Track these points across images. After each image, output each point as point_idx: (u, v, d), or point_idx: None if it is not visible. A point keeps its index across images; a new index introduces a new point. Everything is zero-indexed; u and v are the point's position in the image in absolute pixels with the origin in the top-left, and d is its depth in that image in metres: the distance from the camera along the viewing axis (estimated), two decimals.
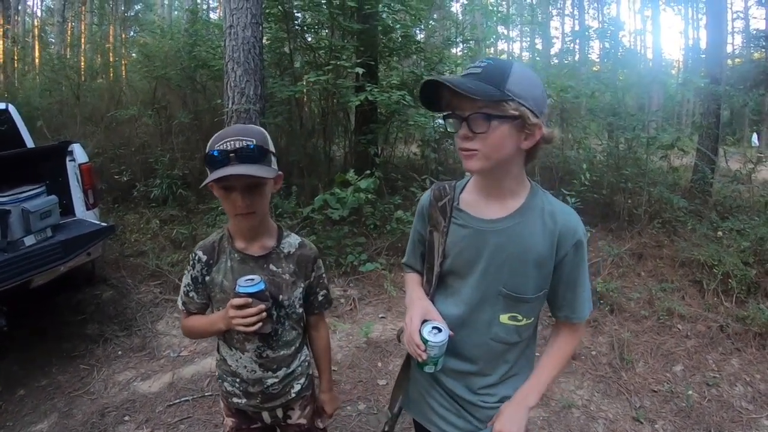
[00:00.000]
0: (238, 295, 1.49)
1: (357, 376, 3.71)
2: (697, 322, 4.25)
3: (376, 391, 3.54)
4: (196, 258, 1.68)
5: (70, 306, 4.77)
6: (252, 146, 1.48)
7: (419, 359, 1.40)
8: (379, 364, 3.87)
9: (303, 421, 1.86)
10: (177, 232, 6.10)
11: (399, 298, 4.80)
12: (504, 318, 1.42)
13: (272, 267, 1.67)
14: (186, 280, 1.71)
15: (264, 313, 1.51)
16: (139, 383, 3.72)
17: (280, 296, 1.65)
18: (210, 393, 3.56)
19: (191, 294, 1.70)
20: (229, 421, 1.83)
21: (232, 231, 1.69)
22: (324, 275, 1.84)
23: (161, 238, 6.21)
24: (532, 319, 1.46)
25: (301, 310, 1.75)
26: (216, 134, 1.54)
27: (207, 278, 1.67)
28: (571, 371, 3.70)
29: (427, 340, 1.37)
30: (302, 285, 1.72)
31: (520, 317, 1.42)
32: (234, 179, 1.47)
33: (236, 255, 1.65)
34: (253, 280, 1.51)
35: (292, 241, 1.73)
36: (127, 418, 3.34)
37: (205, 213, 6.54)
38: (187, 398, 3.50)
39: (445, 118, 1.34)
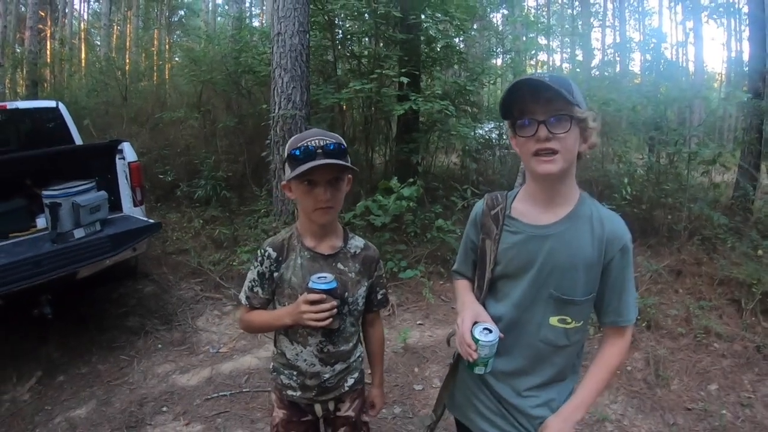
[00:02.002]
0: (313, 291, 1.56)
1: (393, 380, 3.74)
2: (734, 342, 4.17)
3: (412, 396, 3.58)
4: (266, 254, 1.74)
5: (112, 299, 4.92)
6: (335, 144, 1.59)
7: (470, 359, 1.44)
8: (416, 370, 3.90)
9: (352, 413, 1.92)
10: (219, 232, 6.22)
11: (437, 305, 4.84)
12: (554, 320, 1.46)
13: (340, 266, 1.74)
14: (251, 275, 1.77)
15: (335, 310, 1.58)
16: (178, 376, 3.81)
17: (346, 294, 1.72)
18: (248, 389, 3.63)
19: (256, 289, 1.76)
20: (280, 413, 1.87)
21: (302, 230, 1.76)
22: (383, 276, 1.92)
23: (203, 238, 6.35)
24: (581, 322, 1.49)
25: (363, 308, 1.83)
26: (293, 138, 1.66)
27: (276, 274, 1.73)
28: (611, 379, 3.69)
29: (478, 340, 1.41)
30: (366, 284, 1.80)
31: (569, 320, 1.46)
32: (319, 173, 1.56)
33: (306, 253, 1.72)
34: (326, 277, 1.59)
35: (357, 242, 1.82)
36: (164, 409, 3.43)
37: (246, 215, 6.67)
38: (225, 393, 3.58)
39: (512, 125, 1.40)
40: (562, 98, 1.28)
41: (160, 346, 4.24)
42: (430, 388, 3.63)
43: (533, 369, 1.52)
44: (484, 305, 1.57)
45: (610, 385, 3.67)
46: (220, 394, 3.57)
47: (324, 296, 1.56)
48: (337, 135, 1.66)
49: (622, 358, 1.57)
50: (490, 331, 1.43)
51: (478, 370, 1.48)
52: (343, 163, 1.59)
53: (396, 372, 3.86)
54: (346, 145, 1.65)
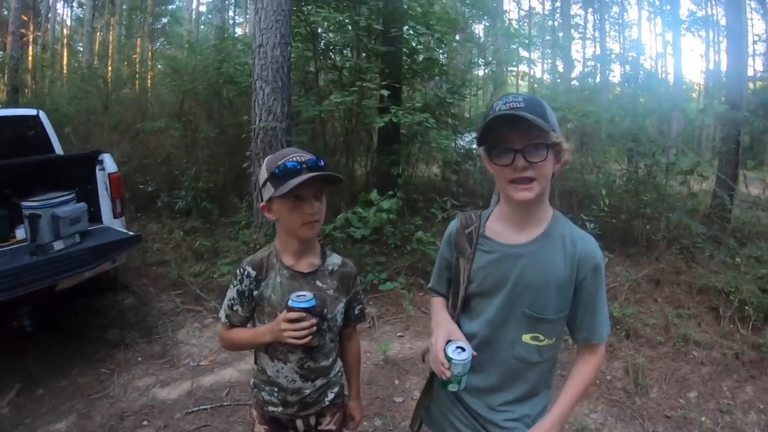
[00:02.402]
0: (292, 309, 1.60)
1: (374, 392, 3.75)
2: (713, 349, 4.24)
3: (392, 408, 3.59)
4: (245, 273, 1.75)
5: (92, 311, 4.87)
6: (316, 158, 1.65)
7: (443, 377, 1.47)
8: (396, 382, 3.91)
9: (333, 427, 1.94)
10: (200, 244, 6.20)
11: (417, 317, 4.84)
12: (527, 338, 1.49)
13: (319, 283, 1.77)
14: (231, 294, 1.78)
15: (315, 327, 1.62)
16: (158, 389, 3.79)
17: (325, 310, 1.74)
18: (228, 403, 3.61)
19: (236, 308, 1.78)
20: (261, 429, 1.89)
21: (281, 248, 1.78)
22: (361, 291, 1.96)
23: (183, 249, 6.31)
24: (554, 339, 1.52)
25: (341, 324, 1.85)
26: (270, 158, 1.69)
27: (255, 293, 1.75)
28: (585, 395, 3.71)
29: (452, 359, 1.45)
30: (344, 300, 1.83)
31: (542, 337, 1.49)
32: (306, 188, 1.60)
33: (285, 271, 1.74)
34: (305, 296, 1.62)
35: (335, 259, 1.85)
36: (145, 422, 3.40)
37: (227, 226, 6.66)
38: (205, 407, 3.56)
39: (489, 152, 1.43)
40: (538, 127, 1.31)
41: (140, 359, 4.21)
42: (410, 400, 3.63)
43: (507, 385, 1.54)
44: (458, 323, 1.60)
45: (589, 395, 3.71)
46: (201, 407, 3.55)
47: (303, 314, 1.60)
48: (310, 153, 1.70)
49: (596, 374, 1.60)
50: (464, 350, 1.46)
51: (452, 387, 1.51)
52: (335, 174, 1.67)
53: (376, 384, 3.87)
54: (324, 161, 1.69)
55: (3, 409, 3.53)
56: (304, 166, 1.60)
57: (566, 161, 1.43)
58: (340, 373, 1.94)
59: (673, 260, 5.65)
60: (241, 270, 1.77)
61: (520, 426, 1.54)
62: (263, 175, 1.68)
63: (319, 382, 1.83)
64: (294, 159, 1.61)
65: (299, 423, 1.88)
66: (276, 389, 1.81)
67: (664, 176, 6.37)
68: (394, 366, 4.12)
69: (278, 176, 1.60)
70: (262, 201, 1.71)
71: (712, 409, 3.60)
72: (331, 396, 1.89)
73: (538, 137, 1.33)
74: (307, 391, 1.81)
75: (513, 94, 1.44)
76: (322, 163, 1.65)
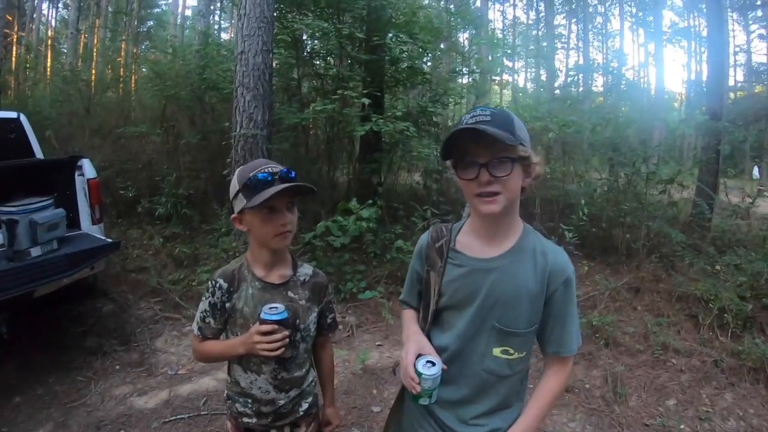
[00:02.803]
0: (264, 321, 1.60)
1: (352, 402, 3.74)
2: (692, 357, 4.27)
3: (370, 418, 3.58)
4: (217, 285, 1.75)
5: (70, 317, 4.82)
6: (288, 169, 1.66)
7: (413, 391, 1.47)
8: (374, 391, 3.90)
9: None
10: (179, 251, 6.15)
11: (396, 326, 4.82)
12: (497, 351, 1.49)
13: (290, 294, 1.77)
14: (203, 306, 1.78)
15: (287, 339, 1.62)
16: (136, 398, 3.75)
17: (297, 321, 1.75)
18: (206, 412, 3.59)
19: (208, 320, 1.78)
20: None
21: (252, 260, 1.78)
22: (333, 300, 1.97)
23: (163, 256, 6.27)
24: (524, 353, 1.52)
25: (314, 334, 1.86)
26: (241, 170, 1.69)
27: (227, 305, 1.75)
28: (564, 404, 3.72)
29: (421, 374, 1.44)
30: (316, 310, 1.84)
31: (512, 351, 1.49)
32: (278, 198, 1.60)
33: (257, 283, 1.75)
34: (277, 308, 1.62)
35: (306, 270, 1.86)
36: (122, 431, 3.38)
37: (207, 233, 6.63)
38: (183, 416, 3.53)
39: (455, 166, 1.42)
40: (502, 141, 1.30)
41: (118, 367, 4.16)
42: (387, 410, 3.55)
43: (478, 398, 1.54)
44: (429, 335, 1.60)
45: (567, 404, 3.73)
46: (178, 417, 3.53)
47: (276, 327, 1.60)
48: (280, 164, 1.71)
49: (564, 386, 1.60)
50: (434, 364, 1.46)
51: (423, 401, 1.51)
52: (308, 185, 1.68)
53: (354, 394, 3.85)
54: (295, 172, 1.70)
55: None
56: (276, 177, 1.61)
57: (537, 174, 1.43)
58: (314, 383, 1.94)
59: (653, 268, 5.69)
60: (213, 282, 1.76)
61: None
62: (234, 186, 1.68)
63: (293, 393, 1.82)
64: (266, 170, 1.62)
65: None
66: (250, 400, 1.81)
67: (645, 185, 6.42)
68: (373, 375, 4.10)
69: (250, 187, 1.60)
70: (233, 212, 1.71)
71: (691, 417, 3.63)
72: (305, 406, 1.89)
73: (503, 151, 1.33)
74: (281, 402, 1.80)
75: (482, 107, 1.44)
76: (293, 174, 1.66)
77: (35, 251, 3.77)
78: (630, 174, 6.58)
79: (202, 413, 3.58)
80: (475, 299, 1.49)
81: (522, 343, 1.50)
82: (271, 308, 1.62)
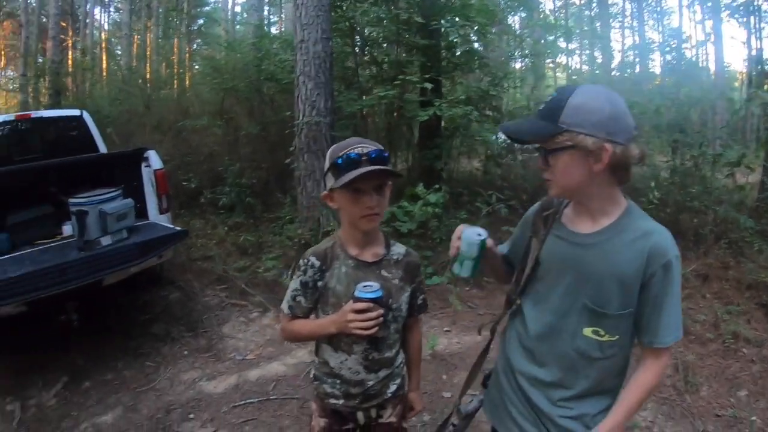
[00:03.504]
0: (359, 299, 1.58)
1: (422, 387, 3.72)
2: (763, 347, 4.08)
3: (441, 403, 3.55)
4: (309, 263, 1.74)
5: (138, 306, 4.95)
6: (378, 151, 1.61)
7: (452, 252, 1.58)
8: (444, 377, 3.87)
9: (393, 419, 1.92)
10: (244, 239, 6.25)
11: (464, 312, 4.80)
12: (587, 331, 1.45)
13: (384, 273, 1.75)
14: (294, 284, 1.77)
15: (381, 318, 1.60)
16: (205, 383, 3.82)
17: (390, 300, 1.73)
18: (275, 396, 3.62)
19: (299, 298, 1.77)
20: (321, 422, 1.87)
21: (345, 238, 1.76)
22: (423, 281, 1.94)
23: (227, 244, 6.38)
24: (617, 337, 1.45)
25: (406, 314, 1.83)
26: (334, 147, 1.68)
27: (319, 283, 1.74)
28: (646, 401, 3.64)
29: (464, 236, 1.56)
30: (409, 290, 1.81)
31: (602, 332, 1.44)
32: (365, 181, 1.57)
33: (350, 261, 1.73)
34: (371, 286, 1.60)
35: (398, 249, 1.83)
36: (192, 416, 3.44)
37: (271, 222, 6.72)
38: (252, 400, 3.57)
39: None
40: (537, 136, 1.41)
41: (186, 352, 4.25)
42: (457, 396, 3.61)
43: (566, 379, 1.51)
44: (521, 303, 1.61)
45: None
46: (248, 401, 3.57)
47: (371, 305, 1.58)
48: (376, 143, 1.68)
49: (658, 382, 1.52)
50: (480, 235, 1.56)
51: (456, 268, 1.61)
52: (390, 168, 1.64)
53: (424, 379, 3.77)
54: (387, 152, 1.66)
55: (50, 401, 3.61)
56: (365, 158, 1.58)
57: (618, 158, 1.33)
58: (402, 365, 1.92)
59: (722, 255, 5.44)
60: (305, 260, 1.76)
61: (577, 426, 1.50)
62: (326, 164, 1.67)
63: (382, 374, 1.81)
64: (356, 150, 1.59)
65: (360, 415, 1.86)
66: (339, 381, 1.80)
67: (710, 168, 6.18)
68: (442, 361, 4.08)
69: (339, 166, 1.58)
70: (325, 189, 1.70)
71: (763, 409, 3.47)
72: (393, 388, 1.87)
73: (543, 143, 1.41)
74: (371, 383, 1.79)
75: (556, 90, 1.50)
76: (386, 155, 1.63)
77: (105, 240, 3.89)
78: (697, 156, 6.34)
79: (271, 398, 3.62)
80: (568, 274, 1.46)
81: (613, 326, 1.44)
82: (365, 286, 1.60)
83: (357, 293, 1.59)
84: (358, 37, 7.41)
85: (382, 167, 1.58)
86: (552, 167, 1.39)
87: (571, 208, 1.54)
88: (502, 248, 1.79)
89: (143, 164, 4.67)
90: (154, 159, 4.67)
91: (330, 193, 1.67)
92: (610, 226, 1.43)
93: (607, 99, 1.34)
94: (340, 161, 1.58)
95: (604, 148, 1.30)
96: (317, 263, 1.74)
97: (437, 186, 5.43)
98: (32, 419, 3.44)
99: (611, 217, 1.43)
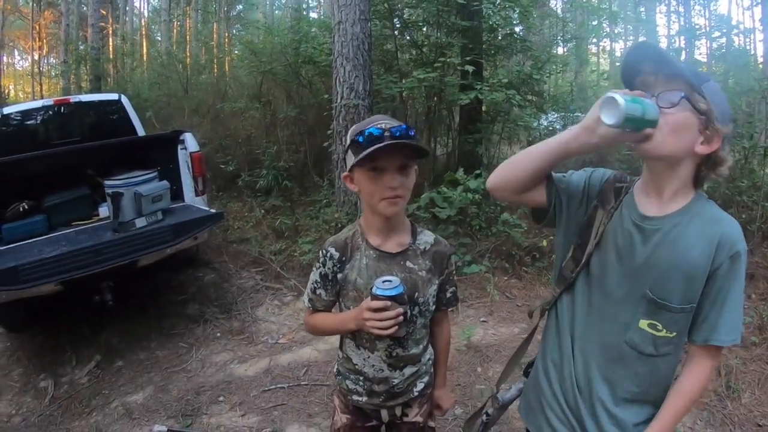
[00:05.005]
0: (376, 297, 1.45)
1: (455, 379, 3.59)
2: None
3: (474, 397, 3.43)
4: (328, 255, 1.63)
5: (172, 286, 5.00)
6: (403, 127, 1.47)
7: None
8: (479, 369, 3.75)
9: (419, 419, 1.82)
10: (280, 222, 6.25)
11: (501, 302, 4.67)
12: (644, 323, 1.32)
13: (409, 264, 1.62)
14: (314, 277, 1.67)
15: (401, 318, 1.47)
16: (236, 366, 3.82)
17: (416, 294, 1.60)
18: (306, 382, 3.58)
19: (319, 291, 1.67)
20: (344, 418, 1.79)
21: (366, 226, 1.65)
22: (454, 272, 1.78)
23: (264, 227, 6.39)
24: (674, 334, 1.32)
25: (434, 308, 1.70)
26: (356, 125, 1.55)
27: (339, 276, 1.63)
28: (694, 403, 3.47)
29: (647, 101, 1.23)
30: (437, 282, 1.67)
31: (660, 326, 1.31)
32: (386, 158, 1.45)
33: (372, 252, 1.61)
34: (391, 281, 1.46)
35: (426, 237, 1.69)
36: (221, 398, 3.43)
37: (308, 205, 6.72)
38: (282, 385, 3.54)
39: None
40: (688, 76, 1.20)
41: (218, 334, 4.27)
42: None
43: (612, 376, 1.39)
44: (575, 280, 1.44)
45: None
46: (278, 386, 3.54)
47: (388, 303, 1.44)
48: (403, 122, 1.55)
49: (706, 385, 1.41)
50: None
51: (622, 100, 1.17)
52: (412, 142, 1.47)
53: (458, 371, 3.70)
54: (414, 131, 1.53)
55: (82, 378, 3.68)
56: (387, 133, 1.43)
57: (715, 152, 1.24)
58: (431, 362, 1.80)
59: None
60: (324, 252, 1.64)
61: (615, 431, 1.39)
62: (347, 142, 1.55)
63: (408, 371, 1.69)
64: (378, 125, 1.45)
65: (384, 413, 1.76)
66: (362, 378, 1.70)
67: (760, 162, 5.89)
68: (477, 352, 3.95)
69: (360, 143, 1.45)
70: (346, 170, 1.58)
71: None
72: (420, 386, 1.76)
73: (680, 88, 1.23)
74: (395, 381, 1.68)
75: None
76: (412, 132, 1.48)
77: (140, 222, 3.91)
78: (746, 149, 6.05)
79: (302, 383, 3.58)
80: (629, 257, 1.33)
81: (673, 321, 1.31)
82: (384, 282, 1.45)
83: (374, 290, 1.45)
84: (396, 19, 7.29)
85: (399, 141, 1.44)
86: (670, 113, 1.22)
87: (640, 186, 1.40)
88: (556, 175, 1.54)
89: (179, 147, 4.67)
90: (191, 141, 4.67)
91: (350, 173, 1.55)
92: (680, 211, 1.30)
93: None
94: (360, 138, 1.45)
95: (719, 134, 1.22)
96: (336, 254, 1.62)
97: (478, 172, 5.30)
98: (64, 396, 3.51)
99: (681, 202, 1.31)
